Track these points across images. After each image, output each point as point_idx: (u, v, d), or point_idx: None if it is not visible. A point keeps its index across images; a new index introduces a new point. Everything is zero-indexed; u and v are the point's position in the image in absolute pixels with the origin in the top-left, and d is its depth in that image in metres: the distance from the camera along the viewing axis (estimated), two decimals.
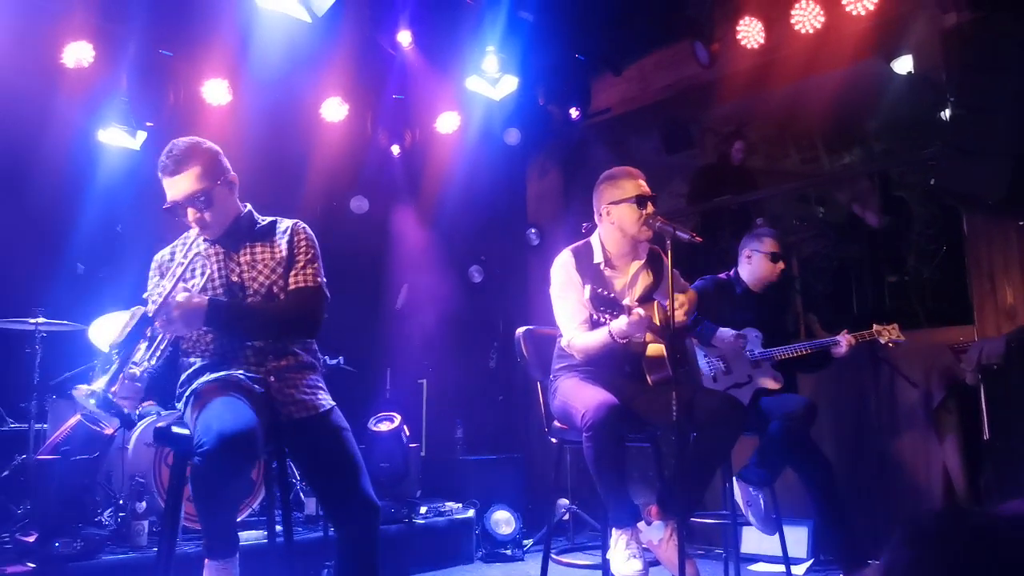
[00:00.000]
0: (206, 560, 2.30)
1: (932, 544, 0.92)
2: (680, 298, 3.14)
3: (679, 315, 3.00)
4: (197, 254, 2.55)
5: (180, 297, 2.36)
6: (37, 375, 4.08)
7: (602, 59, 5.49)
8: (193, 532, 3.54)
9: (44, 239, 4.83)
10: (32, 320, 4.05)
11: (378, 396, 5.62)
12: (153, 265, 2.62)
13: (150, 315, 2.34)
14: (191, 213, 2.48)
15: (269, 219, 2.70)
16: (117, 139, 5.00)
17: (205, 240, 2.58)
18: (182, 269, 2.48)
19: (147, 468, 3.91)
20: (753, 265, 3.91)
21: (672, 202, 6.58)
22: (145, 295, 2.57)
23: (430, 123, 5.72)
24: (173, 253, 2.62)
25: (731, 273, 4.00)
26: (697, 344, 3.74)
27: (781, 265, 3.94)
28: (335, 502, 2.44)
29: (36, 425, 4.00)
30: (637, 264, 3.19)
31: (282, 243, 2.61)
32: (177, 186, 2.46)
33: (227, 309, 2.44)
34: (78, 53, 4.57)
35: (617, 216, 3.11)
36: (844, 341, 3.68)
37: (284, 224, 2.68)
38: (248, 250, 2.59)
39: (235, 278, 2.53)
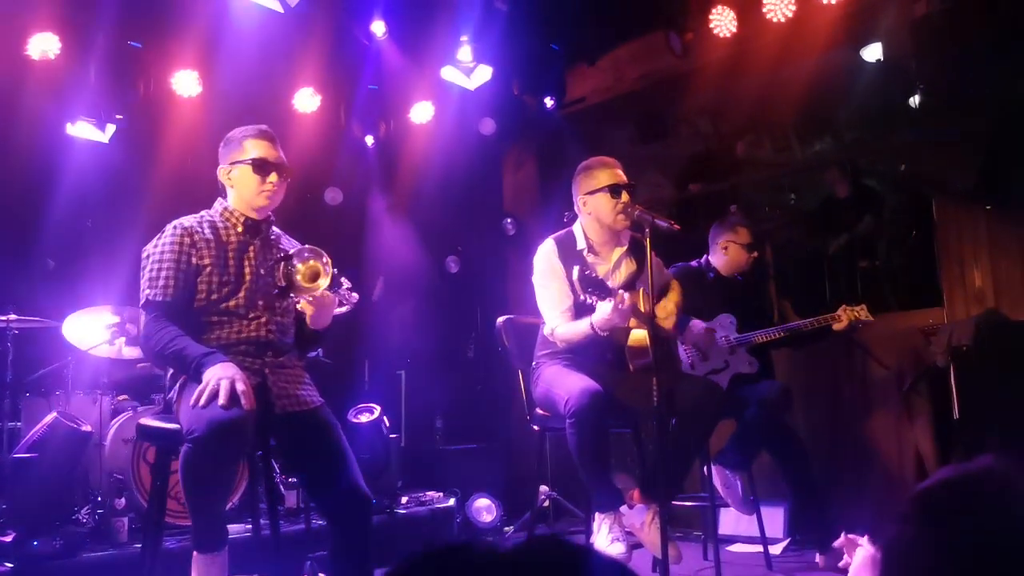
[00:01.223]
0: (195, 553, 2.29)
1: (935, 520, 0.93)
2: (667, 305, 3.17)
3: (667, 325, 3.05)
4: (239, 241, 2.59)
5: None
6: (10, 373, 4.01)
7: (576, 49, 5.51)
8: (175, 528, 3.51)
9: (13, 235, 4.74)
10: (3, 317, 3.98)
11: (357, 388, 5.61)
12: (176, 238, 2.50)
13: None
14: (276, 176, 2.57)
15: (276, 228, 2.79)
16: (86, 132, 4.91)
17: (242, 230, 2.60)
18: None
19: (125, 465, 3.87)
20: (730, 255, 3.95)
21: (647, 192, 6.61)
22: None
23: (404, 113, 5.68)
24: (214, 229, 2.58)
25: (702, 261, 4.04)
26: None
27: (755, 254, 3.99)
28: (328, 496, 2.45)
29: (10, 423, 3.95)
30: (620, 251, 3.23)
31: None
32: (272, 151, 2.60)
33: None
34: (44, 44, 4.47)
35: (593, 206, 3.15)
36: (846, 316, 3.71)
37: (292, 242, 2.79)
38: (275, 250, 2.66)
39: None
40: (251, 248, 2.60)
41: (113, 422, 4.04)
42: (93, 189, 4.95)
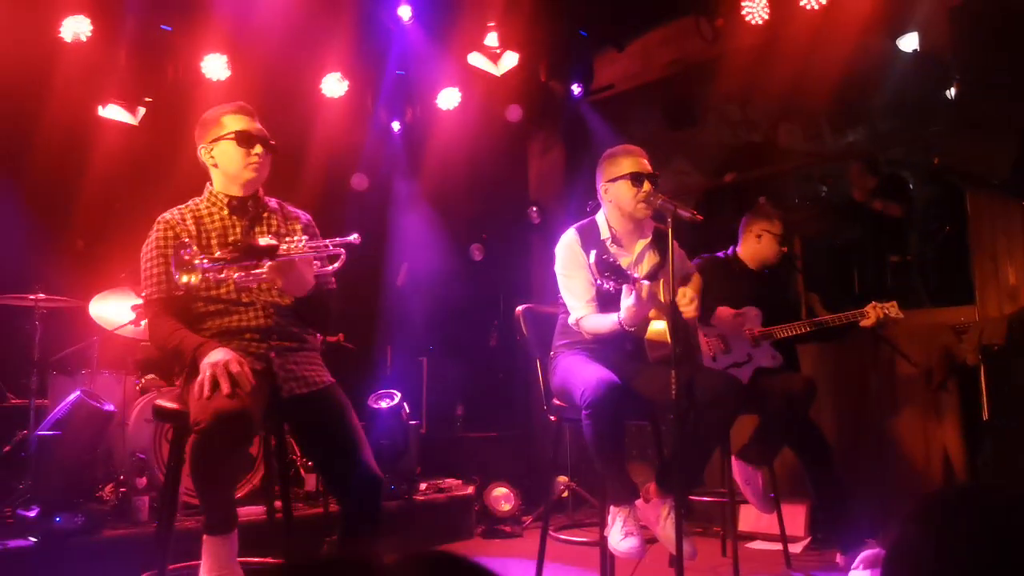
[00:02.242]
0: (204, 536, 2.31)
1: (939, 522, 0.91)
2: (689, 292, 3.13)
3: (689, 311, 3.00)
4: (223, 224, 2.56)
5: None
6: (37, 351, 4.09)
7: (605, 35, 5.44)
8: (193, 507, 3.55)
9: (44, 215, 4.82)
10: (32, 296, 4.05)
11: (379, 373, 5.63)
12: (160, 234, 2.51)
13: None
14: (260, 148, 2.53)
15: (274, 200, 2.74)
16: (116, 115, 4.97)
17: (228, 212, 2.59)
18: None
19: (147, 444, 3.92)
20: (763, 244, 3.89)
21: (673, 180, 6.54)
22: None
23: (431, 99, 5.67)
24: (197, 217, 2.56)
25: (729, 251, 3.98)
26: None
27: (785, 248, 3.93)
28: (337, 476, 2.45)
29: (37, 401, 4.02)
30: (643, 243, 3.19)
31: (296, 228, 2.67)
32: (253, 124, 2.57)
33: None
34: (76, 27, 4.53)
35: (614, 194, 3.11)
36: (873, 313, 3.64)
37: (292, 211, 2.73)
38: (264, 228, 2.61)
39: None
40: (236, 230, 2.57)
41: (137, 402, 4.09)
42: (122, 171, 5.01)
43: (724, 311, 3.69)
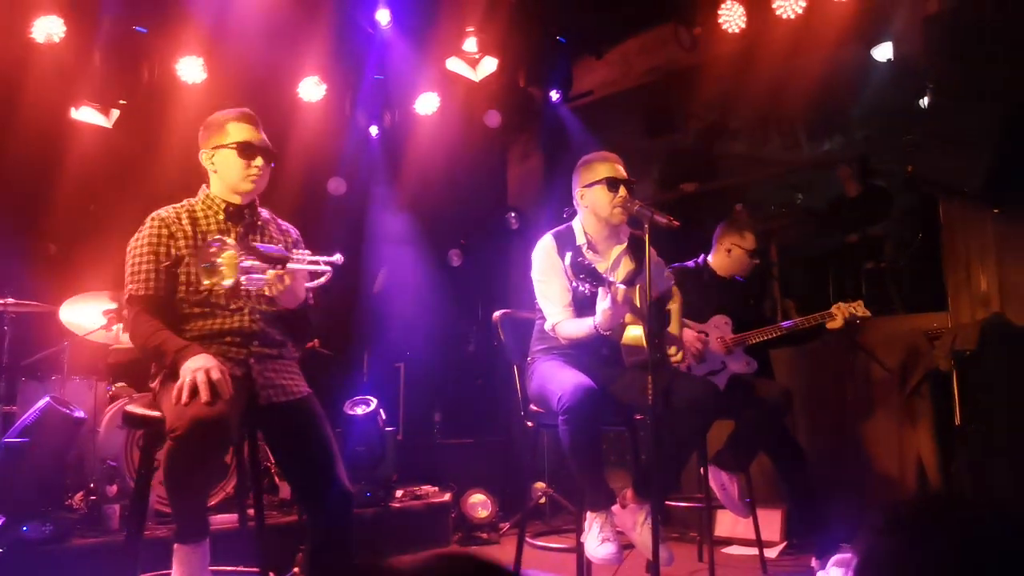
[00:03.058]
0: (176, 544, 2.27)
1: (910, 532, 0.91)
2: (677, 342, 3.23)
3: (678, 359, 3.09)
4: (219, 228, 2.53)
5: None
6: (5, 356, 4.01)
7: (584, 42, 5.46)
8: (164, 516, 3.50)
9: (14, 218, 4.74)
10: (0, 300, 3.98)
11: (355, 380, 5.59)
12: (153, 231, 2.47)
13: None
14: (261, 160, 2.51)
15: (266, 211, 2.73)
16: (90, 117, 4.90)
17: (223, 217, 2.56)
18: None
19: (118, 451, 3.86)
20: (732, 259, 3.90)
21: (654, 186, 6.56)
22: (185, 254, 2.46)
23: (409, 104, 5.65)
24: (193, 218, 2.53)
25: (699, 260, 3.99)
26: None
27: (757, 261, 3.93)
28: (309, 489, 2.42)
29: (4, 407, 3.95)
30: (619, 248, 3.19)
31: (288, 242, 2.68)
32: (256, 135, 2.55)
33: None
34: (49, 28, 4.47)
35: (590, 199, 3.12)
36: (839, 314, 3.67)
37: (283, 225, 2.75)
38: (258, 237, 2.60)
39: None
40: (232, 235, 2.55)
41: (108, 408, 4.03)
42: (96, 174, 4.95)
43: (688, 333, 3.65)
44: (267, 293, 2.41)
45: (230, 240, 2.28)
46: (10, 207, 4.70)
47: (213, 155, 2.54)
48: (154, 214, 2.51)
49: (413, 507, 4.53)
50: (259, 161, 2.51)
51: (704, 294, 3.83)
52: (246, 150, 2.50)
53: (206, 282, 2.25)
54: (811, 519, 3.67)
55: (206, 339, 2.43)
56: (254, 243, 2.45)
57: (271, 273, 2.32)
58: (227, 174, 2.53)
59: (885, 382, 4.29)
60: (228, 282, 2.23)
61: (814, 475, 3.70)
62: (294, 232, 2.76)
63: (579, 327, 2.98)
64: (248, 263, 2.25)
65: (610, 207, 3.07)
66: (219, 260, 2.23)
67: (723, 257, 3.91)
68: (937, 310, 4.35)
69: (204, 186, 2.62)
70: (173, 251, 2.45)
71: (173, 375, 2.28)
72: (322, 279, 2.46)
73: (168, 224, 2.47)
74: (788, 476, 3.70)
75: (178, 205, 2.56)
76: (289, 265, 2.33)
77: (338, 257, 2.46)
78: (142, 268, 2.42)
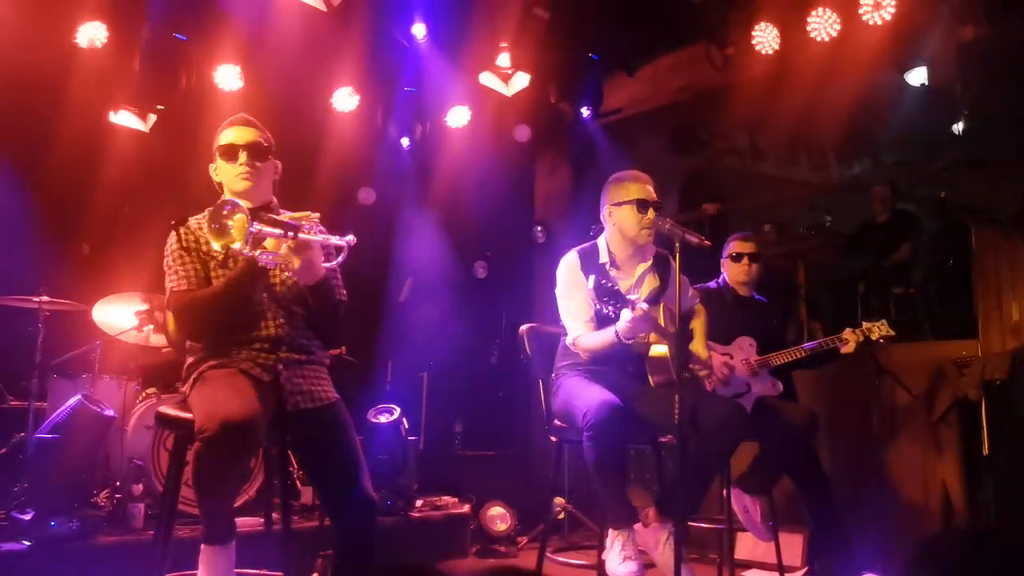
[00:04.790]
0: (203, 545, 2.29)
1: (944, 566, 0.91)
2: (704, 361, 3.24)
3: (703, 374, 3.07)
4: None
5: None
6: (39, 354, 4.08)
7: (615, 59, 5.48)
8: (189, 516, 3.54)
9: (51, 218, 4.83)
10: (35, 298, 4.05)
11: (379, 388, 5.61)
12: (179, 238, 2.52)
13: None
14: (244, 157, 2.52)
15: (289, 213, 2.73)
16: (128, 121, 5.00)
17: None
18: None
19: (145, 451, 3.91)
20: (726, 271, 3.94)
21: (679, 205, 6.56)
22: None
23: (441, 117, 5.70)
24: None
25: (719, 281, 4.00)
26: None
27: (746, 264, 3.90)
28: (334, 495, 2.43)
29: (36, 404, 4.01)
30: (643, 266, 3.19)
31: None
32: (241, 134, 2.56)
33: None
34: (92, 33, 4.57)
35: (618, 218, 3.13)
36: (852, 339, 3.66)
37: None
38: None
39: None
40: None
41: (136, 408, 4.09)
42: (131, 177, 5.03)
43: (715, 358, 3.65)
44: (283, 270, 2.41)
45: (242, 203, 2.30)
46: (47, 206, 4.79)
47: (216, 168, 2.61)
48: (175, 223, 2.56)
49: (432, 517, 4.54)
50: (243, 158, 2.52)
51: (728, 315, 3.82)
52: (228, 152, 2.54)
53: (216, 245, 2.27)
54: (833, 545, 3.63)
55: (235, 346, 2.46)
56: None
57: (285, 248, 2.33)
58: (224, 179, 2.58)
59: (911, 408, 4.25)
60: (237, 245, 2.24)
61: (837, 500, 3.66)
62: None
63: (600, 337, 2.99)
64: (258, 227, 2.25)
65: (638, 228, 3.08)
66: (230, 222, 2.25)
67: (729, 266, 3.93)
68: (967, 338, 4.31)
69: (221, 195, 2.64)
70: (203, 251, 2.50)
71: (205, 380, 2.31)
72: (340, 257, 2.47)
73: (192, 231, 2.53)
74: (811, 500, 3.66)
75: (199, 216, 2.60)
76: (300, 235, 2.32)
77: (351, 238, 2.46)
78: (179, 269, 2.47)
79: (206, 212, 2.57)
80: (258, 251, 2.29)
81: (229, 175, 2.55)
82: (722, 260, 3.97)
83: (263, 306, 2.50)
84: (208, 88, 4.99)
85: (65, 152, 4.70)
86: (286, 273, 2.52)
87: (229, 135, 2.56)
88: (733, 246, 3.94)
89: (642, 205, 3.07)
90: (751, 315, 3.89)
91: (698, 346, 3.34)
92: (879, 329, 3.69)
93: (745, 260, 3.89)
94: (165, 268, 2.52)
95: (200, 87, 4.99)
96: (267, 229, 2.27)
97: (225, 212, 2.26)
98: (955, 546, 0.94)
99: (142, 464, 3.85)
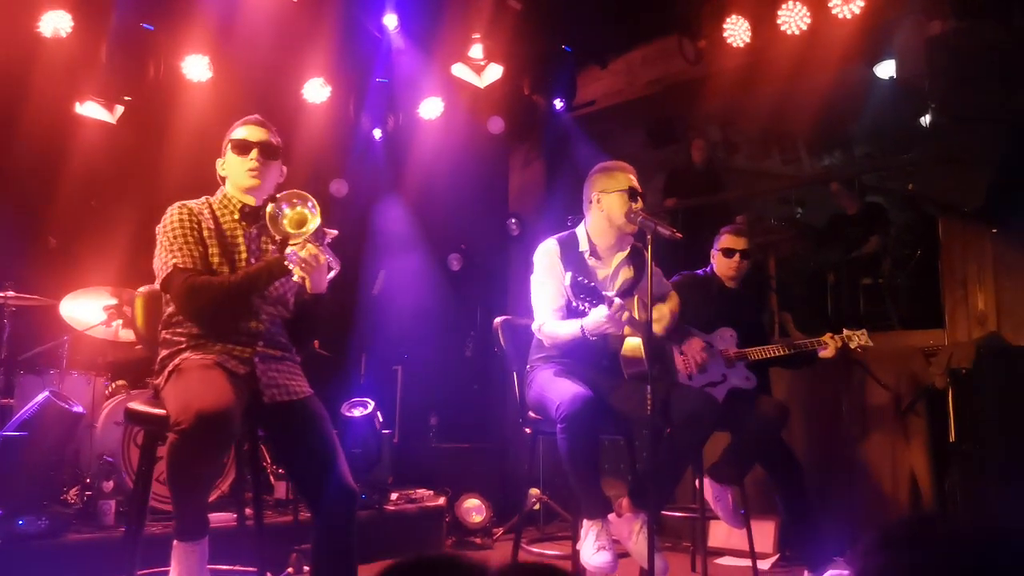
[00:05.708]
0: (175, 542, 2.27)
1: (904, 551, 0.92)
2: (662, 308, 3.15)
3: (656, 328, 3.03)
4: (234, 226, 2.58)
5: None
6: (5, 350, 4.01)
7: (588, 51, 5.49)
8: (160, 513, 3.50)
9: (16, 211, 4.74)
10: (0, 293, 3.98)
11: (352, 381, 5.59)
12: (183, 215, 2.52)
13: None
14: (257, 153, 2.58)
15: None
16: (94, 112, 4.91)
17: (239, 216, 2.60)
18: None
19: (115, 447, 3.86)
20: (715, 262, 3.95)
21: (655, 197, 6.59)
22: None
23: (414, 108, 5.66)
24: (213, 213, 2.58)
25: (708, 270, 4.01)
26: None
27: (737, 260, 3.92)
28: (313, 488, 2.43)
29: (3, 400, 3.94)
30: (620, 256, 3.22)
31: None
32: (255, 132, 2.63)
33: None
34: (56, 22, 4.47)
35: (607, 204, 3.15)
36: (832, 344, 3.71)
37: None
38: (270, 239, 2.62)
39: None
40: (247, 235, 2.59)
41: (106, 404, 4.03)
42: (99, 169, 4.95)
43: (696, 343, 3.67)
44: (299, 272, 2.40)
45: (317, 211, 2.40)
46: (12, 200, 4.70)
47: (223, 160, 2.65)
48: (179, 203, 2.57)
49: (407, 510, 4.53)
50: (254, 154, 2.58)
51: (712, 305, 3.84)
52: (240, 146, 2.59)
53: (286, 225, 2.38)
54: (805, 532, 3.68)
55: (214, 336, 2.45)
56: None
57: (310, 248, 2.37)
58: (231, 172, 2.63)
59: (881, 398, 4.32)
60: (292, 248, 2.36)
61: (809, 488, 3.72)
62: None
63: (566, 328, 3.01)
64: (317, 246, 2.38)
65: (625, 216, 3.10)
66: (308, 214, 2.39)
67: (718, 259, 3.95)
68: (934, 327, 4.38)
69: (221, 187, 2.68)
70: (201, 234, 2.50)
71: (180, 372, 2.30)
72: (334, 271, 2.52)
73: (194, 212, 2.54)
74: (783, 488, 3.71)
75: (199, 200, 2.61)
76: (327, 236, 2.43)
77: (334, 232, 2.54)
78: (180, 243, 2.46)
79: (203, 198, 2.58)
80: (288, 251, 2.37)
81: (238, 170, 2.60)
82: (712, 251, 3.96)
83: (253, 303, 2.51)
84: (176, 79, 4.91)
85: (30, 144, 4.61)
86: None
87: (243, 132, 2.63)
88: (725, 240, 3.91)
89: (632, 194, 3.12)
90: (735, 307, 3.91)
91: (635, 308, 3.30)
92: (859, 338, 3.73)
93: (736, 256, 3.89)
94: (164, 240, 2.50)
95: (168, 78, 4.90)
96: (321, 248, 2.40)
97: (309, 207, 2.39)
98: (903, 532, 0.96)
99: (112, 461, 3.80)
